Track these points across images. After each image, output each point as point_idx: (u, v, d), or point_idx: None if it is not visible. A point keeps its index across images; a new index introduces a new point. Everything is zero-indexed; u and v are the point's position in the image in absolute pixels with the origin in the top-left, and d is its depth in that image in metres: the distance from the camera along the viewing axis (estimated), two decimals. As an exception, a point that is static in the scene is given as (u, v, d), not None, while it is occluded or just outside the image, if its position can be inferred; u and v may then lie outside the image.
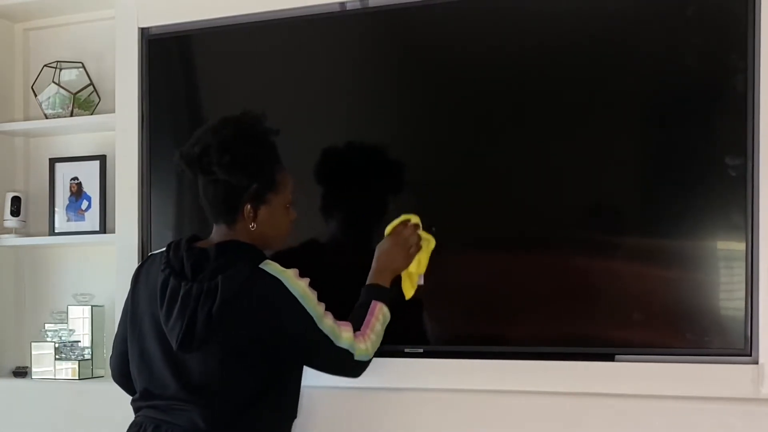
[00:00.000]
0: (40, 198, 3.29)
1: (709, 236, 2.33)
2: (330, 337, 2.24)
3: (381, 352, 2.38)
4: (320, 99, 2.72)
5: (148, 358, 2.29)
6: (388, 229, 2.48)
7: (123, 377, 2.42)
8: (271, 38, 2.78)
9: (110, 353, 2.50)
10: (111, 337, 2.52)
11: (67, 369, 3.08)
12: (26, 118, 3.33)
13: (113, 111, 3.01)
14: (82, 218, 3.20)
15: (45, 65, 3.25)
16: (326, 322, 2.24)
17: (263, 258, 2.25)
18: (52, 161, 3.25)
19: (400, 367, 2.54)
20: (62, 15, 3.26)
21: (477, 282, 2.54)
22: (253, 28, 2.79)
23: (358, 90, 2.70)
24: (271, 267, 2.23)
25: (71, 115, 3.18)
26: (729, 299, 2.31)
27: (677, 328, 2.35)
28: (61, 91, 3.19)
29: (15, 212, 3.24)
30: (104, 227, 3.16)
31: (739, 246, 2.28)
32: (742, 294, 2.27)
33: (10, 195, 3.25)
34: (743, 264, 2.27)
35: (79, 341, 3.12)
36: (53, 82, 3.20)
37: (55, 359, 3.08)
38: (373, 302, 2.39)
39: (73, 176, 3.22)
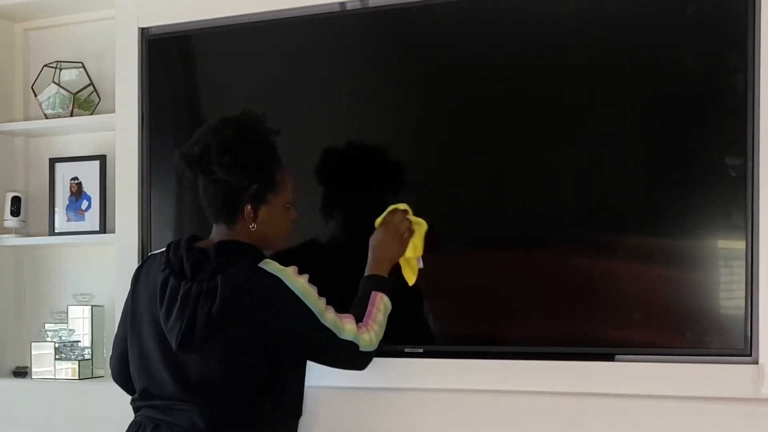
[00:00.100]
0: (40, 198, 3.29)
1: (709, 236, 2.33)
2: (333, 330, 2.24)
3: (381, 352, 2.38)
4: (320, 99, 2.72)
5: (147, 358, 2.29)
6: (378, 220, 2.49)
7: (123, 377, 2.42)
8: (271, 38, 2.78)
9: (110, 353, 2.50)
10: (111, 337, 2.52)
11: (67, 369, 3.08)
12: (26, 118, 3.33)
13: (113, 111, 3.01)
14: (82, 218, 3.20)
15: (45, 65, 3.25)
16: (328, 316, 2.24)
17: (263, 257, 2.25)
18: (52, 161, 3.25)
19: (400, 367, 2.54)
20: (62, 15, 3.26)
21: (477, 282, 2.54)
22: (253, 28, 2.79)
23: (358, 90, 2.70)
24: (271, 266, 2.23)
25: (71, 115, 3.18)
26: (729, 299, 2.31)
27: (677, 328, 2.35)
28: (61, 91, 3.19)
29: (15, 212, 3.24)
30: (104, 227, 3.16)
31: (739, 246, 2.28)
32: (742, 294, 2.28)
33: (10, 195, 3.25)
34: (743, 264, 2.27)
35: (79, 341, 3.12)
36: (53, 82, 3.20)
37: (55, 359, 3.08)
38: (373, 293, 2.39)
39: (73, 176, 3.22)
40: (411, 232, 2.48)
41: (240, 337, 2.20)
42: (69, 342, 3.09)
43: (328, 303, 2.28)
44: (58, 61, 3.23)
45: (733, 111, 2.29)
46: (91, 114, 3.20)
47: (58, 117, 3.19)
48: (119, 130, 2.96)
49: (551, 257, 2.47)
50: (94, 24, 3.22)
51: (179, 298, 2.20)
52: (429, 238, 2.50)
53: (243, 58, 2.82)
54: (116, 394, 2.49)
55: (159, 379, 2.27)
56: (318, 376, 2.41)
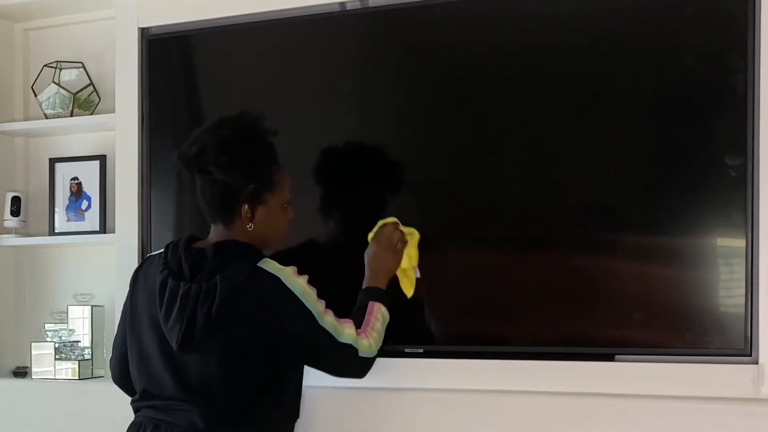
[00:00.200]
0: (40, 198, 3.29)
1: (709, 236, 2.33)
2: (332, 333, 2.24)
3: (381, 352, 2.38)
4: (320, 99, 2.72)
5: (147, 358, 2.29)
6: (370, 235, 2.49)
7: (123, 378, 2.42)
8: (271, 38, 2.78)
9: (110, 354, 2.50)
10: (111, 338, 2.52)
11: (67, 369, 3.07)
12: (26, 118, 3.33)
13: (113, 111, 3.01)
14: (82, 218, 3.20)
15: (45, 65, 3.25)
16: (327, 319, 2.24)
17: (261, 257, 2.25)
18: (52, 161, 3.25)
19: (400, 367, 2.54)
20: (62, 15, 3.26)
21: (477, 282, 2.54)
22: (253, 28, 2.79)
23: (358, 90, 2.70)
24: (270, 265, 2.23)
25: (71, 115, 3.18)
26: (729, 299, 2.31)
27: (677, 327, 2.35)
28: (61, 91, 3.19)
29: (15, 212, 3.24)
30: (104, 227, 3.16)
31: (739, 245, 2.28)
32: (742, 294, 2.28)
33: (10, 195, 3.25)
34: (743, 263, 2.27)
35: (79, 341, 3.12)
36: (53, 82, 3.20)
37: (55, 359, 3.07)
38: (371, 303, 2.39)
39: (73, 176, 3.22)
40: (404, 243, 2.48)
41: (239, 337, 2.20)
42: (69, 342, 3.09)
43: (327, 304, 2.27)
44: (58, 61, 3.23)
45: (733, 111, 2.29)
46: (91, 114, 3.20)
47: (58, 117, 3.19)
48: (119, 130, 2.96)
49: (551, 257, 2.47)
50: (94, 24, 3.22)
51: (178, 298, 2.20)
52: (429, 240, 2.49)
53: (243, 58, 2.82)
54: (116, 395, 2.49)
55: (159, 380, 2.27)
56: (317, 376, 2.40)
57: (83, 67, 3.23)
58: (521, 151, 2.51)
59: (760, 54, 2.26)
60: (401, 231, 2.48)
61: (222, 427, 2.21)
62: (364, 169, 2.66)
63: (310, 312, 2.21)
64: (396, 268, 2.48)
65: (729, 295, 2.31)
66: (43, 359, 3.10)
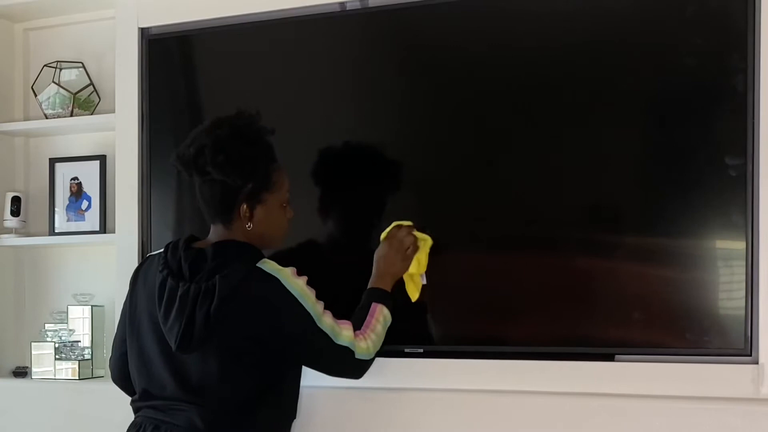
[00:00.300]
0: (40, 198, 3.29)
1: (709, 236, 2.33)
2: (330, 335, 2.24)
3: (381, 352, 2.38)
4: (320, 99, 2.72)
5: (146, 358, 2.29)
6: (383, 235, 2.49)
7: (123, 379, 2.42)
8: (271, 38, 2.78)
9: (110, 354, 2.50)
10: (111, 338, 2.52)
11: (67, 369, 3.07)
12: (26, 118, 3.33)
13: (113, 111, 3.01)
14: (82, 218, 3.20)
15: (45, 65, 3.26)
16: (325, 321, 2.24)
17: (261, 257, 2.25)
18: (52, 161, 3.25)
19: (400, 367, 2.54)
20: (62, 15, 3.26)
21: (477, 282, 2.54)
22: (253, 28, 2.79)
23: (357, 90, 2.70)
24: (269, 265, 2.23)
25: (71, 115, 3.18)
26: (729, 299, 2.31)
27: (677, 328, 2.35)
28: (61, 91, 3.19)
29: (15, 212, 3.24)
30: (104, 227, 3.16)
31: (739, 246, 2.28)
32: (742, 294, 2.28)
33: (10, 195, 3.25)
34: (743, 264, 2.28)
35: (79, 341, 3.12)
36: (53, 82, 3.20)
37: (55, 359, 3.07)
38: (374, 304, 2.39)
39: (73, 176, 3.22)
40: (416, 248, 2.48)
41: (238, 337, 2.20)
42: (69, 342, 3.09)
43: (327, 303, 2.27)
44: (58, 61, 3.23)
45: (733, 111, 2.29)
46: (91, 114, 3.20)
47: (58, 117, 3.19)
48: (119, 130, 2.96)
49: (551, 257, 2.47)
50: (94, 24, 3.22)
51: (178, 298, 2.20)
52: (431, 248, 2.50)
53: (243, 58, 2.82)
54: (116, 395, 2.49)
55: (158, 380, 2.27)
56: (316, 376, 2.40)
57: (83, 67, 3.23)
58: (521, 152, 2.51)
59: (760, 54, 2.26)
60: (414, 236, 2.48)
61: (221, 427, 2.21)
62: (364, 168, 2.66)
63: (309, 313, 2.21)
64: (403, 272, 2.48)
65: (729, 296, 2.31)
66: (43, 359, 3.10)
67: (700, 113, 2.33)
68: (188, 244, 2.28)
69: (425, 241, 2.48)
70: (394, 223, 2.49)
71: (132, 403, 2.36)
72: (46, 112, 3.22)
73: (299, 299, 2.20)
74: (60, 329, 3.11)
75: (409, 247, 2.47)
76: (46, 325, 3.15)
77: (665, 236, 2.35)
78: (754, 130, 2.27)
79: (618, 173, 2.43)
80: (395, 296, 2.45)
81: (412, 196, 2.60)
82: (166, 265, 2.26)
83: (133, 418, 2.34)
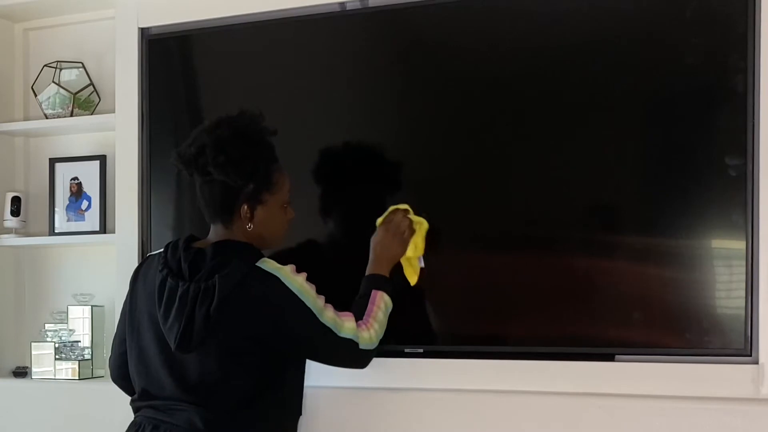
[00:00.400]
0: (40, 198, 3.29)
1: (709, 236, 2.33)
2: (332, 328, 2.24)
3: (381, 352, 2.38)
4: (320, 99, 2.72)
5: (146, 358, 2.29)
6: (379, 220, 2.49)
7: (122, 378, 2.42)
8: (271, 38, 2.78)
9: (110, 354, 2.50)
10: (111, 338, 2.52)
11: (67, 369, 3.07)
12: (26, 118, 3.33)
13: (113, 111, 3.01)
14: (82, 218, 3.20)
15: (45, 65, 3.25)
16: (327, 315, 2.24)
17: (260, 256, 2.25)
18: (52, 161, 3.25)
19: (400, 367, 2.54)
20: (62, 15, 3.26)
21: (477, 282, 2.54)
22: (253, 28, 2.79)
23: (357, 90, 2.70)
24: (268, 264, 2.23)
25: (71, 115, 3.18)
26: (729, 299, 2.31)
27: (677, 327, 2.35)
28: (61, 91, 3.19)
29: (15, 212, 3.24)
30: (104, 227, 3.16)
31: (739, 246, 2.28)
32: (743, 294, 2.28)
33: (10, 195, 3.25)
34: (743, 264, 2.27)
35: (79, 341, 3.11)
36: (53, 82, 3.20)
37: (55, 359, 3.07)
38: (374, 291, 2.39)
39: (73, 176, 3.22)
40: (412, 231, 2.48)
41: (238, 337, 2.20)
42: (69, 342, 3.09)
43: (327, 302, 2.27)
44: (58, 61, 3.23)
45: (733, 111, 2.29)
46: (91, 114, 3.20)
47: (58, 117, 3.19)
48: (119, 130, 2.96)
49: (551, 257, 2.47)
50: (94, 24, 3.22)
51: (177, 298, 2.20)
52: (429, 238, 2.50)
53: (243, 58, 2.82)
54: (116, 394, 2.49)
55: (158, 380, 2.27)
56: (318, 376, 2.41)
57: (83, 67, 3.23)
58: (521, 151, 2.51)
59: (760, 54, 2.26)
60: (410, 219, 2.48)
61: (221, 426, 2.21)
62: (365, 168, 2.66)
63: (310, 309, 2.21)
64: (401, 256, 2.48)
65: (729, 296, 2.31)
66: (43, 359, 3.10)
67: (700, 113, 2.33)
68: (188, 244, 2.28)
69: (421, 225, 2.48)
70: (391, 208, 2.49)
71: (131, 402, 2.36)
72: (46, 112, 3.22)
73: (300, 296, 2.21)
74: (60, 329, 3.11)
75: (405, 231, 2.47)
76: (46, 325, 3.15)
77: (665, 236, 2.35)
78: (754, 130, 2.27)
79: (618, 173, 2.43)
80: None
81: (412, 195, 2.59)
82: (166, 264, 2.26)
83: (132, 418, 2.34)
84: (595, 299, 2.42)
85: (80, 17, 3.25)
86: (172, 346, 2.20)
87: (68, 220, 3.22)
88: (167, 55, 2.92)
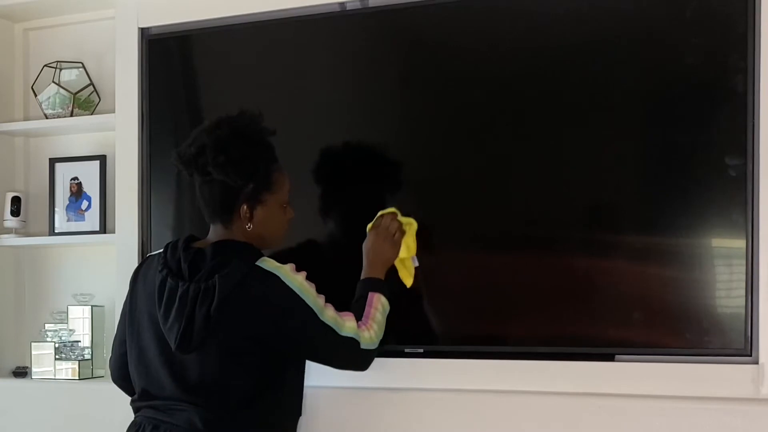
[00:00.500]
0: (40, 198, 3.29)
1: (709, 236, 2.33)
2: (333, 327, 2.24)
3: (381, 352, 2.38)
4: (320, 99, 2.72)
5: (146, 358, 2.29)
6: (369, 226, 2.49)
7: (122, 379, 2.42)
8: (271, 38, 2.78)
9: (110, 354, 2.50)
10: (111, 338, 2.52)
11: (67, 369, 3.07)
12: (26, 118, 3.33)
13: (113, 111, 3.01)
14: (82, 218, 3.20)
15: (45, 65, 3.25)
16: (328, 314, 2.24)
17: (260, 256, 2.25)
18: (52, 161, 3.25)
19: (400, 367, 2.54)
20: (62, 15, 3.26)
21: (477, 282, 2.54)
22: (253, 28, 2.79)
23: (358, 90, 2.70)
24: (268, 263, 2.23)
25: (71, 115, 3.18)
26: (729, 299, 2.31)
27: (677, 327, 2.35)
28: (61, 91, 3.19)
29: (15, 212, 3.24)
30: (104, 227, 3.16)
31: (739, 245, 2.28)
32: (742, 294, 2.28)
33: (10, 195, 3.25)
34: (743, 264, 2.28)
35: (79, 341, 3.11)
36: (53, 82, 3.20)
37: (55, 359, 3.07)
38: (370, 294, 2.39)
39: (73, 176, 3.22)
40: (402, 233, 2.48)
41: (239, 337, 2.20)
42: (69, 342, 3.09)
43: (327, 301, 2.27)
44: (58, 61, 3.23)
45: (733, 111, 2.29)
46: (91, 114, 3.20)
47: (58, 117, 3.19)
48: (119, 130, 2.96)
49: (551, 257, 2.47)
50: (94, 24, 3.22)
51: (177, 298, 2.20)
52: (428, 238, 2.50)
53: (243, 58, 2.82)
54: (116, 395, 2.49)
55: (158, 380, 2.27)
56: (318, 376, 2.41)
57: (83, 67, 3.23)
58: (521, 151, 2.51)
59: (760, 54, 2.26)
60: (399, 221, 2.48)
61: (221, 427, 2.21)
62: (365, 168, 2.66)
63: (310, 308, 2.21)
64: (394, 258, 2.48)
65: (729, 295, 2.31)
66: (43, 359, 3.10)
67: (700, 113, 2.33)
68: (187, 244, 2.28)
69: (410, 225, 2.49)
70: (379, 213, 2.50)
71: (132, 403, 2.36)
72: (46, 112, 3.22)
73: (300, 294, 2.21)
74: (60, 329, 3.11)
75: (395, 233, 2.47)
76: (46, 325, 3.15)
77: (665, 236, 2.35)
78: (754, 130, 2.27)
79: (618, 173, 2.43)
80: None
81: (412, 195, 2.60)
82: (166, 264, 2.26)
83: (132, 418, 2.34)
84: (595, 299, 2.42)
85: (80, 17, 3.25)
86: (173, 346, 2.20)
87: (68, 220, 3.22)
88: (167, 55, 2.92)
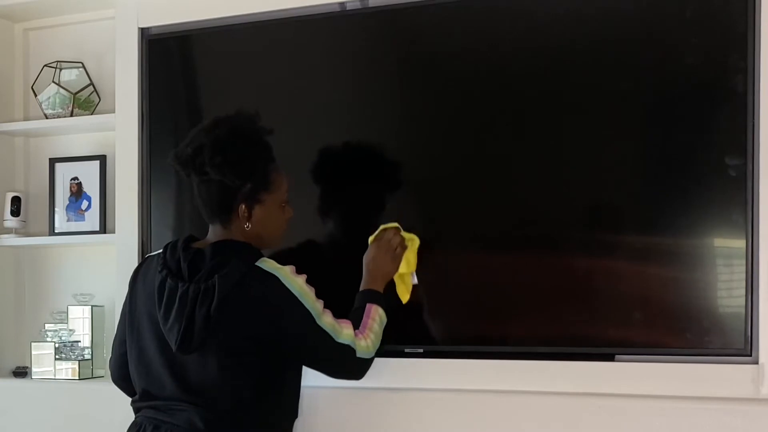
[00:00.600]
0: (40, 198, 3.29)
1: (710, 236, 2.33)
2: (330, 333, 2.24)
3: (381, 352, 2.38)
4: (320, 99, 2.72)
5: (146, 359, 2.29)
6: (371, 239, 2.49)
7: (122, 379, 2.42)
8: (271, 38, 2.78)
9: (110, 354, 2.50)
10: (111, 338, 2.52)
11: (67, 369, 3.07)
12: (26, 118, 3.33)
13: (113, 111, 3.01)
14: (82, 218, 3.20)
15: (45, 65, 3.25)
16: (326, 319, 2.24)
17: (259, 256, 2.25)
18: (52, 161, 3.25)
19: (400, 367, 2.54)
20: (62, 15, 3.26)
21: (477, 282, 2.54)
22: (253, 28, 2.79)
23: (357, 90, 2.70)
24: (267, 264, 2.23)
25: (71, 115, 3.18)
26: (729, 299, 2.31)
27: (677, 327, 2.35)
28: (61, 91, 3.19)
29: (15, 212, 3.24)
30: (104, 227, 3.16)
31: (739, 245, 2.28)
32: (743, 294, 2.28)
33: (10, 195, 3.25)
34: (743, 264, 2.28)
35: (79, 341, 3.11)
36: (53, 82, 3.20)
37: (55, 359, 3.07)
38: (368, 305, 2.39)
39: (73, 176, 3.22)
40: (404, 248, 2.48)
41: (238, 337, 2.20)
42: (69, 342, 3.09)
43: (326, 303, 2.27)
44: (58, 61, 3.23)
45: (733, 111, 2.29)
46: (91, 114, 3.20)
47: (58, 117, 3.19)
48: (119, 130, 2.96)
49: (551, 257, 2.47)
50: (94, 24, 3.22)
51: (177, 298, 2.20)
52: (428, 240, 2.50)
53: (243, 58, 2.82)
54: (116, 395, 2.49)
55: (158, 380, 2.27)
56: (317, 376, 2.40)
57: (83, 67, 3.23)
58: (521, 151, 2.51)
59: (760, 54, 2.26)
60: (402, 236, 2.48)
61: (221, 427, 2.21)
62: (364, 168, 2.66)
63: (309, 311, 2.21)
64: (394, 273, 2.48)
65: (729, 295, 2.31)
66: (43, 359, 3.10)
67: (700, 113, 2.33)
68: (187, 244, 2.28)
69: (413, 241, 2.49)
70: (381, 227, 2.49)
71: (132, 403, 2.36)
72: (46, 112, 3.22)
73: (299, 297, 2.20)
74: (60, 329, 3.11)
75: (397, 248, 2.47)
76: (46, 325, 3.15)
77: (665, 236, 2.35)
78: (754, 130, 2.27)
79: (618, 173, 2.43)
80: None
81: (411, 195, 2.60)
82: (165, 265, 2.26)
83: (133, 419, 2.34)
84: (595, 299, 2.42)
85: (80, 17, 3.25)
86: (173, 347, 2.19)
87: (68, 220, 3.22)
88: (167, 55, 2.92)
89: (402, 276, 2.49)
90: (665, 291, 2.36)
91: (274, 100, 2.71)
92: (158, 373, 2.26)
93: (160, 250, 2.33)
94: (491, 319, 2.53)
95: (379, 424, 2.55)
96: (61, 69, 3.22)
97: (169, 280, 2.23)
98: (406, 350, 2.57)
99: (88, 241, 3.19)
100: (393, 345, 2.48)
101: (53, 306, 3.26)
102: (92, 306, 3.14)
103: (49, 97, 3.21)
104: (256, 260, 2.23)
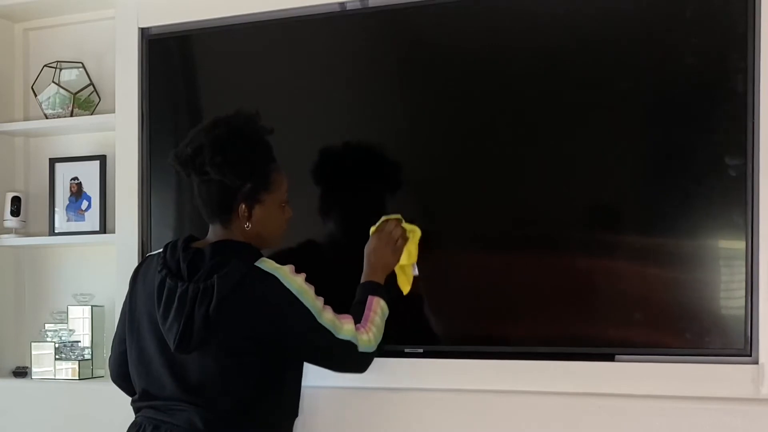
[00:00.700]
0: (40, 198, 3.29)
1: (710, 236, 2.33)
2: (331, 330, 2.24)
3: (381, 352, 2.38)
4: (320, 99, 2.72)
5: (146, 358, 2.29)
6: (372, 230, 2.49)
7: (122, 379, 2.42)
8: (271, 38, 2.78)
9: (110, 354, 2.50)
10: (111, 338, 2.52)
11: (67, 369, 3.07)
12: (26, 118, 3.33)
13: (113, 111, 3.01)
14: (82, 218, 3.20)
15: (45, 65, 3.26)
16: (326, 316, 2.24)
17: (259, 256, 2.25)
18: (52, 161, 3.25)
19: (400, 367, 2.54)
20: (62, 15, 3.26)
21: (477, 282, 2.54)
22: (253, 28, 2.79)
23: (357, 90, 2.70)
24: (267, 264, 2.23)
25: (71, 115, 3.18)
26: (729, 299, 2.31)
27: (677, 328, 2.35)
28: (61, 91, 3.19)
29: (15, 212, 3.24)
30: (104, 227, 3.16)
31: (739, 246, 2.28)
32: (742, 294, 2.28)
33: (10, 195, 3.25)
34: (743, 264, 2.27)
35: (79, 341, 3.11)
36: (53, 82, 3.20)
37: (55, 359, 3.07)
38: (370, 297, 2.39)
39: (73, 176, 3.22)
40: (405, 239, 2.48)
41: (238, 337, 2.20)
42: (69, 342, 3.09)
43: (326, 302, 2.27)
44: (58, 61, 3.23)
45: (733, 111, 2.29)
46: (91, 114, 3.20)
47: (58, 117, 3.19)
48: (119, 130, 2.96)
49: (551, 257, 2.47)
50: (94, 24, 3.22)
51: (176, 298, 2.19)
52: (428, 240, 2.50)
53: (243, 58, 2.82)
54: (116, 395, 2.49)
55: (158, 380, 2.27)
56: (318, 376, 2.41)
57: (83, 67, 3.23)
58: (521, 151, 2.51)
59: (760, 54, 2.26)
60: (403, 228, 2.48)
61: (221, 427, 2.21)
62: (364, 168, 2.66)
63: (309, 310, 2.21)
64: (395, 264, 2.48)
65: (729, 296, 2.31)
66: (43, 359, 3.10)
67: (700, 113, 2.33)
68: (187, 244, 2.28)
69: (414, 232, 2.49)
70: (383, 218, 2.49)
71: (132, 403, 2.36)
72: (46, 112, 3.22)
73: (298, 296, 2.20)
74: (60, 329, 3.11)
75: (398, 239, 2.47)
76: (46, 325, 3.15)
77: (665, 236, 2.35)
78: (754, 130, 2.27)
79: (618, 173, 2.43)
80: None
81: (411, 195, 2.60)
82: (165, 265, 2.26)
83: (133, 419, 2.34)
84: (595, 299, 2.42)
85: (80, 17, 3.25)
86: (172, 346, 2.19)
87: (68, 220, 3.22)
88: (167, 55, 2.92)
89: (403, 267, 2.49)
90: (665, 291, 2.36)
91: (274, 100, 2.71)
92: (158, 373, 2.26)
93: (161, 250, 2.33)
94: (491, 319, 2.53)
95: (379, 424, 2.55)
96: (61, 69, 3.22)
97: (168, 279, 2.23)
98: (406, 350, 2.57)
99: (88, 241, 3.19)
100: (393, 345, 2.47)
101: (53, 306, 3.26)
102: (92, 306, 3.14)
103: (49, 97, 3.21)
104: (256, 260, 2.23)
